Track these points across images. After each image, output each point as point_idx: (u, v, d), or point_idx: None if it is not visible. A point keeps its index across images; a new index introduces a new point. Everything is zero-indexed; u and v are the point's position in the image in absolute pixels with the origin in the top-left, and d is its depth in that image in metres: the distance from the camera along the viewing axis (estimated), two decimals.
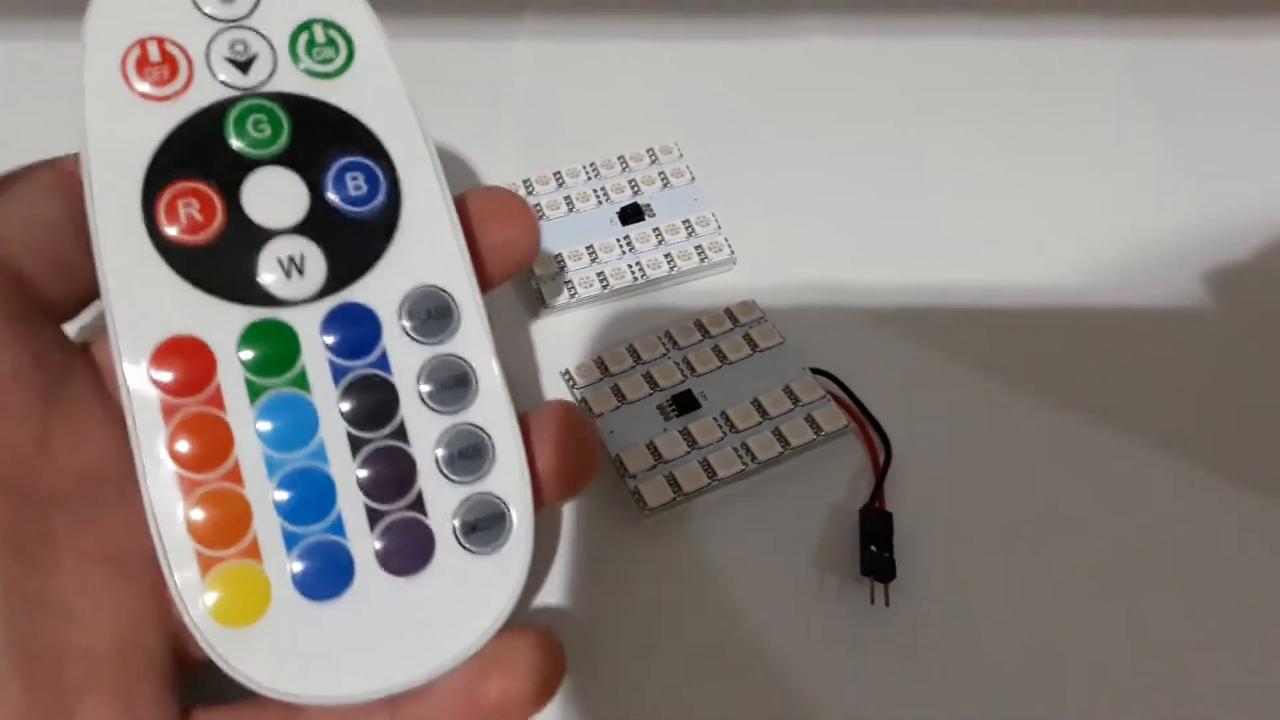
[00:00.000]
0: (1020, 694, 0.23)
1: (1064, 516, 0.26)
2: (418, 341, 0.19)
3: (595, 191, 0.31)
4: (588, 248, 0.30)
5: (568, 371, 0.28)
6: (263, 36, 0.19)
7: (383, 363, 0.18)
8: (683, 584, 0.25)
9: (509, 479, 0.19)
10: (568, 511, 0.26)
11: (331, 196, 0.19)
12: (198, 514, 0.17)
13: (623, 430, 0.26)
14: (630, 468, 0.26)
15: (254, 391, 0.18)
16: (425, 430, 0.18)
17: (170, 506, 0.17)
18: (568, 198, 0.31)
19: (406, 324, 0.19)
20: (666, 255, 0.30)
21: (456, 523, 0.18)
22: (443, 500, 0.18)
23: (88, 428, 0.19)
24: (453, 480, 0.18)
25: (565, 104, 0.35)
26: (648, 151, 0.32)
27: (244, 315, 0.18)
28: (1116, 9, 0.38)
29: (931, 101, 0.35)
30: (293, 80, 0.19)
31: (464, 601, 0.18)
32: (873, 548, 0.24)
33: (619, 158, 0.32)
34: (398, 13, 0.37)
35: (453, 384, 0.19)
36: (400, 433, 0.18)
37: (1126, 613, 0.25)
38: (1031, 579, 0.25)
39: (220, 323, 0.18)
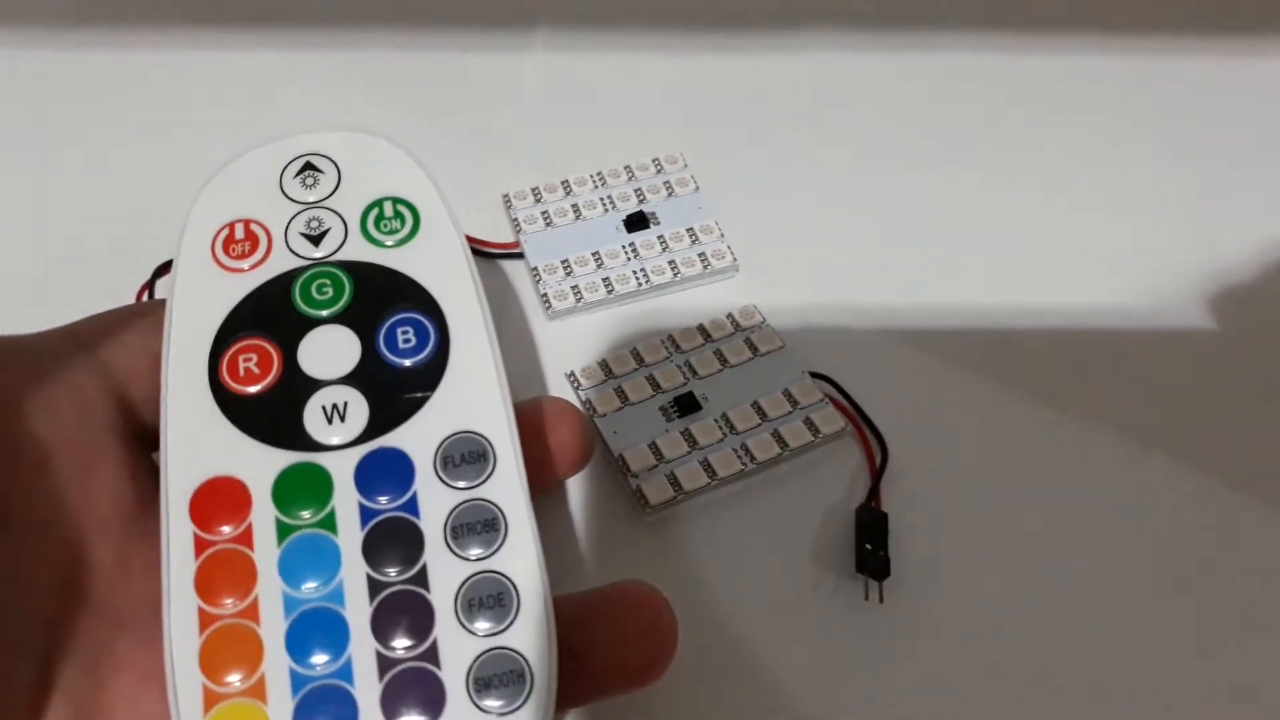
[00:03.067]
0: (1010, 690, 0.24)
1: (1055, 517, 0.26)
2: (449, 485, 0.19)
3: (602, 200, 0.32)
4: (594, 254, 0.31)
5: (573, 373, 0.28)
6: (337, 214, 0.21)
7: (411, 506, 0.19)
8: (682, 579, 0.25)
9: (532, 635, 0.18)
10: (571, 507, 0.26)
11: (382, 349, 0.20)
12: (210, 648, 0.17)
13: (625, 430, 0.27)
14: (633, 466, 0.26)
15: (283, 531, 0.18)
16: (447, 576, 0.18)
17: (186, 638, 0.18)
18: (575, 205, 0.32)
19: (440, 468, 0.19)
20: (670, 262, 0.31)
21: (470, 677, 0.17)
22: (458, 652, 0.17)
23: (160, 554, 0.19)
24: (470, 631, 0.18)
25: (574, 115, 0.36)
26: (653, 161, 0.33)
27: (283, 459, 0.19)
28: (1122, 26, 0.38)
29: (930, 116, 0.36)
30: (360, 249, 0.21)
31: None
32: (868, 546, 0.25)
33: (625, 167, 0.33)
34: (419, 27, 0.38)
35: (480, 529, 0.18)
36: (421, 577, 0.18)
37: (1117, 613, 0.25)
38: (1022, 578, 0.25)
39: (260, 465, 0.19)
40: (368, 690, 0.17)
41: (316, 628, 0.18)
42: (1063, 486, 0.27)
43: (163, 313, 0.20)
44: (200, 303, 0.20)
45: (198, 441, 0.19)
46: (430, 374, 0.20)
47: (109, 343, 0.20)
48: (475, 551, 0.18)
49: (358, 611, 0.18)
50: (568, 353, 0.29)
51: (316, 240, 0.21)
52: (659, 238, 0.31)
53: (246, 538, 0.18)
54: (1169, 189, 0.34)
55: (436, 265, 0.21)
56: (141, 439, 0.21)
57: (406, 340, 0.20)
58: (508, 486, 0.19)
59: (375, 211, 0.21)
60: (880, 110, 0.36)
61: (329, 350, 0.20)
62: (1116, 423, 0.28)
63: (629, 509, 0.26)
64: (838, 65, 0.37)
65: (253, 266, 0.20)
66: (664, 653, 0.19)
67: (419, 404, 0.19)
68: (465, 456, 0.19)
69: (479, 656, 0.17)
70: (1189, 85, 0.37)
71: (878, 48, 0.38)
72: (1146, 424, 0.28)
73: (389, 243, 0.21)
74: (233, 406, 0.19)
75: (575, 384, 0.28)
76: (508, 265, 0.31)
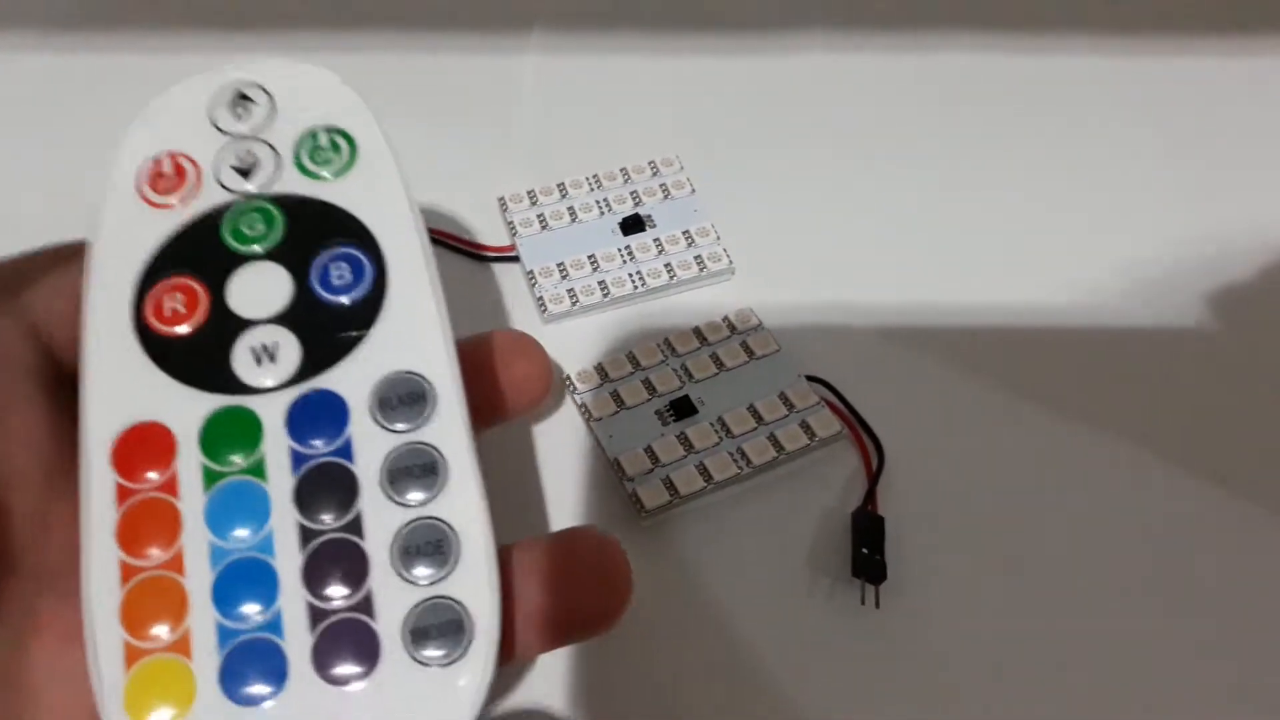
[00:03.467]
0: (1007, 694, 0.24)
1: (1053, 520, 0.26)
2: (385, 429, 0.18)
3: (598, 202, 0.32)
4: (589, 257, 0.31)
5: (568, 377, 0.28)
6: (269, 145, 0.20)
7: (345, 451, 0.18)
8: (678, 584, 0.25)
9: (472, 583, 0.17)
10: (566, 511, 0.26)
11: (315, 286, 0.19)
12: (132, 602, 0.17)
13: (621, 434, 0.27)
14: (628, 470, 0.26)
15: (210, 478, 0.18)
16: (383, 523, 0.17)
17: (106, 592, 0.17)
18: (571, 208, 0.32)
19: (376, 410, 0.18)
20: (666, 265, 0.31)
21: (406, 629, 0.17)
22: (394, 602, 0.17)
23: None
24: (407, 580, 0.17)
25: (569, 117, 0.35)
26: (649, 164, 0.33)
27: (210, 402, 0.18)
28: (1116, 26, 0.38)
29: (926, 117, 0.36)
30: (293, 182, 0.20)
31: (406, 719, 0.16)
32: (864, 550, 0.25)
33: (621, 170, 0.33)
34: (414, 29, 0.38)
35: (418, 473, 0.17)
36: (355, 525, 0.17)
37: (1114, 616, 0.25)
38: (1020, 582, 0.25)
39: (186, 409, 0.18)
40: (298, 643, 0.17)
41: (245, 579, 0.17)
42: (1060, 490, 0.27)
43: (73, 251, 0.19)
44: (124, 241, 0.19)
45: (120, 385, 0.18)
46: (366, 312, 0.19)
47: (28, 284, 0.19)
48: (413, 497, 0.17)
49: (288, 561, 0.17)
50: (563, 356, 0.29)
51: (247, 173, 0.20)
52: (655, 240, 0.31)
53: (171, 486, 0.17)
54: (1168, 189, 0.34)
55: (374, 198, 0.20)
56: (64, 386, 0.19)
57: (340, 277, 0.19)
58: (448, 429, 0.18)
59: (310, 142, 0.20)
60: (876, 112, 0.36)
61: (259, 288, 0.19)
62: (1114, 425, 0.28)
63: (625, 513, 0.26)
64: (833, 67, 0.37)
65: (181, 202, 0.19)
66: (621, 600, 0.19)
67: (353, 343, 0.18)
68: (402, 398, 0.18)
69: (416, 606, 0.17)
70: (1187, 85, 0.37)
71: (872, 50, 0.38)
72: (1145, 426, 0.28)
73: (324, 175, 0.20)
74: (158, 349, 0.18)
75: (571, 388, 0.28)
76: (503, 268, 0.31)
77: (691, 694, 0.24)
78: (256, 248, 0.19)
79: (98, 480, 0.17)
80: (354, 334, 0.18)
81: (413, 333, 0.19)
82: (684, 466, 0.26)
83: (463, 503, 0.17)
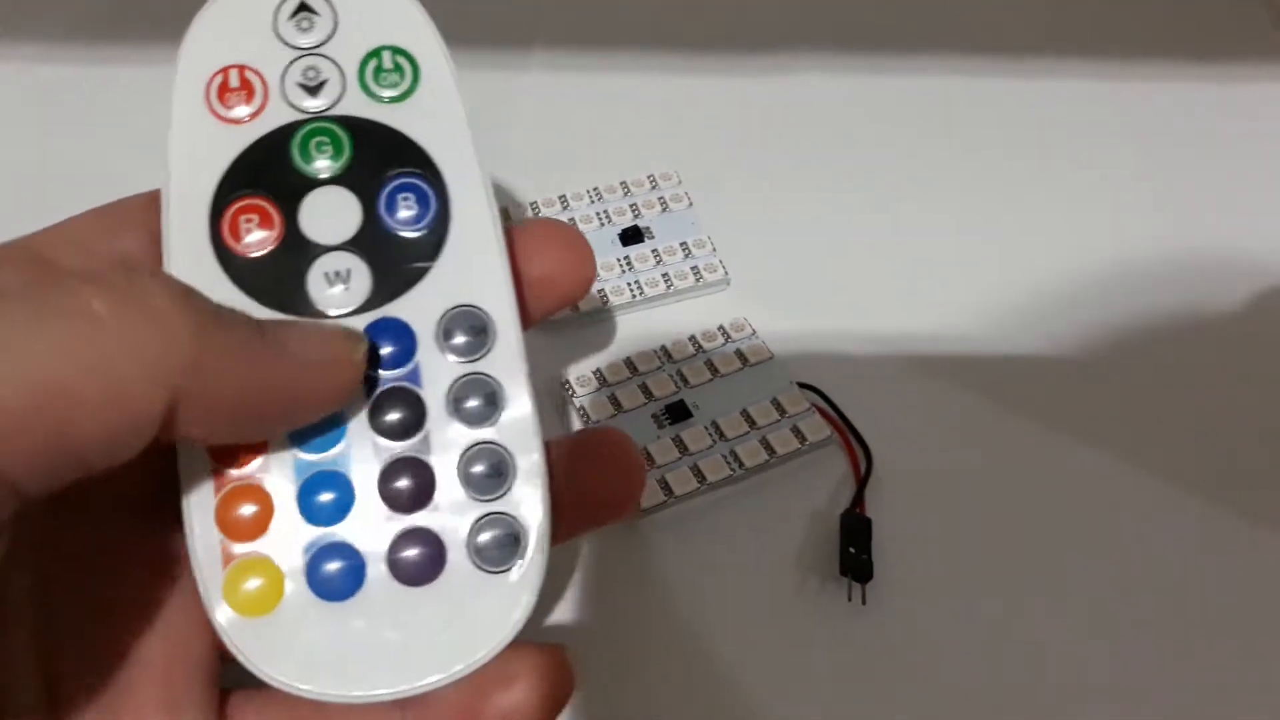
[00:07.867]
0: (985, 689, 0.25)
1: (1034, 522, 0.27)
2: (450, 358, 0.19)
3: (598, 214, 0.33)
4: None
5: (567, 381, 0.29)
6: (334, 63, 0.20)
7: (414, 376, 0.19)
8: (671, 579, 0.26)
9: (528, 502, 0.19)
10: None
11: (383, 215, 0.20)
12: (225, 506, 0.18)
13: None
14: None
15: None
16: (449, 445, 0.19)
17: (202, 497, 0.19)
18: (572, 219, 0.33)
19: (442, 340, 0.19)
20: (664, 275, 0.32)
21: (470, 539, 0.19)
22: (459, 515, 0.19)
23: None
24: (471, 497, 0.19)
25: (571, 132, 0.37)
26: (648, 178, 0.34)
27: None
28: (1100, 52, 0.40)
29: (913, 135, 0.37)
30: (358, 104, 0.20)
31: (471, 618, 0.18)
32: (851, 550, 0.26)
33: (621, 183, 0.34)
34: None
35: (481, 402, 0.19)
36: (424, 445, 0.19)
37: (1092, 616, 0.26)
38: (1001, 581, 0.26)
39: None
40: (374, 549, 0.18)
41: (325, 489, 0.19)
42: (1040, 492, 0.28)
43: (119, 212, 0.20)
44: (197, 156, 0.20)
45: None
46: (431, 244, 0.20)
47: (78, 248, 0.19)
48: (476, 423, 0.19)
49: (364, 475, 0.19)
50: (562, 361, 0.30)
51: (314, 91, 0.20)
52: (653, 251, 0.32)
53: None
54: (1151, 213, 0.35)
55: (436, 126, 0.20)
56: None
57: (408, 207, 0.20)
58: (507, 361, 0.19)
59: (374, 62, 0.20)
60: (867, 131, 0.37)
61: (330, 213, 0.20)
62: (1092, 434, 0.29)
63: None
64: (828, 87, 0.38)
65: (249, 118, 0.20)
66: (637, 487, 0.21)
67: (420, 274, 0.19)
68: (466, 330, 0.19)
69: (479, 520, 0.19)
70: (1183, 114, 0.38)
71: (863, 71, 0.39)
72: (1121, 436, 0.29)
73: (387, 97, 0.20)
74: (234, 267, 0.19)
75: (570, 392, 0.29)
76: None
77: (683, 685, 0.25)
78: (325, 171, 0.20)
79: None
80: (420, 265, 0.19)
81: (475, 267, 0.20)
82: (678, 468, 0.27)
83: (519, 429, 0.19)
